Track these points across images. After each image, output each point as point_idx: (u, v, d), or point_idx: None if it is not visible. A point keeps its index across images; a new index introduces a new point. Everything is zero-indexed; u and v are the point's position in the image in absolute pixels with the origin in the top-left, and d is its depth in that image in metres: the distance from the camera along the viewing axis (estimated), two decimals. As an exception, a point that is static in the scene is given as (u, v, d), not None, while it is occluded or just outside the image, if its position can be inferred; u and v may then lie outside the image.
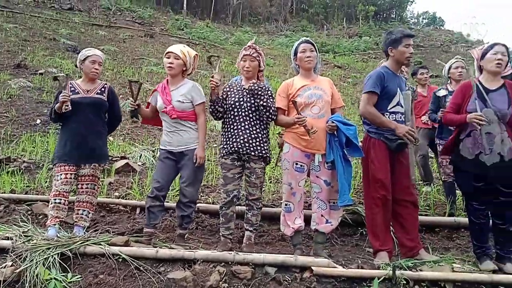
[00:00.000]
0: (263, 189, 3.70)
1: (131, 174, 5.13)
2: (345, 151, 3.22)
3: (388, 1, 32.06)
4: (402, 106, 3.28)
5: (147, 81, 10.85)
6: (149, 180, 4.68)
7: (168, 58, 3.44)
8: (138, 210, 4.09)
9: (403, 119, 3.27)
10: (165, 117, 3.45)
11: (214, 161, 5.68)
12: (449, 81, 4.59)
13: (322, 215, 3.25)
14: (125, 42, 16.37)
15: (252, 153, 3.35)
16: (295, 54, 3.45)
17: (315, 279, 2.75)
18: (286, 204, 3.32)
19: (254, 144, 3.36)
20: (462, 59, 4.60)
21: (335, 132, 3.22)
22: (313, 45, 3.43)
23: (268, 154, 3.44)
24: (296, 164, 3.26)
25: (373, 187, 3.23)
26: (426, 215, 4.14)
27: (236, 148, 3.35)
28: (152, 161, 5.62)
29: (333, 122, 3.19)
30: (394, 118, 3.24)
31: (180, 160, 3.44)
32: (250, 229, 3.42)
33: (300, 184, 3.29)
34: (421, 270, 2.86)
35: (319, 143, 3.23)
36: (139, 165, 5.45)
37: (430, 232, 3.97)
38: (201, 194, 4.62)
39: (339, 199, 3.17)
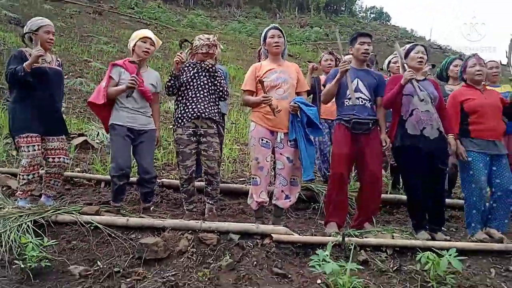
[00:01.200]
0: (220, 164, 3.96)
1: (90, 151, 5.16)
2: (307, 131, 3.53)
3: (338, -6, 33.00)
4: (362, 92, 3.65)
5: (98, 59, 10.62)
6: (109, 156, 4.76)
7: (145, 42, 3.60)
8: (103, 184, 4.19)
9: (366, 103, 3.64)
10: (136, 94, 3.56)
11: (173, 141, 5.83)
12: (389, 75, 5.03)
13: (282, 191, 3.56)
14: (72, 18, 15.75)
15: (213, 118, 3.68)
16: (264, 39, 3.70)
17: (274, 245, 3.05)
18: (253, 178, 3.59)
19: (213, 110, 3.70)
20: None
21: (298, 113, 3.53)
22: (281, 31, 3.70)
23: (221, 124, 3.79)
24: (262, 140, 3.54)
25: (335, 164, 3.61)
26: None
27: (198, 114, 3.61)
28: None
29: (295, 103, 3.49)
30: (357, 103, 3.61)
31: (138, 139, 3.61)
32: (210, 202, 3.68)
33: (267, 160, 3.57)
34: (366, 237, 3.26)
35: (282, 122, 3.52)
36: (97, 142, 5.48)
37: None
38: (163, 171, 4.79)
39: (303, 174, 3.50)
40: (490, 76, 4.35)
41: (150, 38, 3.61)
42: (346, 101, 3.61)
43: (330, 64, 4.93)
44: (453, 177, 4.70)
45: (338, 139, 3.62)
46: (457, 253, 2.73)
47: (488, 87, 3.92)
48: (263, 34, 3.73)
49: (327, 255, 2.64)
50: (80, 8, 17.76)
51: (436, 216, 3.61)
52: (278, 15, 29.02)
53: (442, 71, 4.76)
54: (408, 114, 3.58)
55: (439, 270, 2.72)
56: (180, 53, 3.62)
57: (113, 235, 2.92)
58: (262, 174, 3.55)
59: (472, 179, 3.61)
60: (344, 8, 34.26)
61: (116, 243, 2.86)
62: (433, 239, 3.43)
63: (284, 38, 3.69)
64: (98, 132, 5.85)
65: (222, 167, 4.81)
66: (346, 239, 3.11)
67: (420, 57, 3.64)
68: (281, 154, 3.56)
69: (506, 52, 4.68)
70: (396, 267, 2.98)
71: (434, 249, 3.00)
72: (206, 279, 2.66)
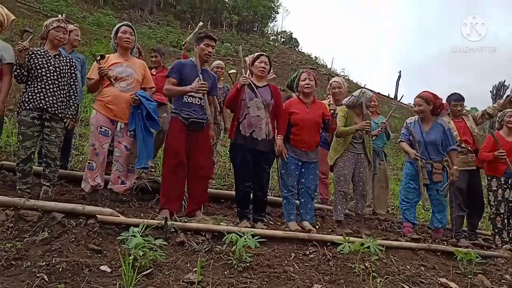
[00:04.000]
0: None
1: None
2: (147, 123, 3.79)
3: (252, 15, 34.20)
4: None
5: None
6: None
7: None
8: None
9: (202, 103, 4.01)
10: None
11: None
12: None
13: (118, 177, 3.77)
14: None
15: (60, 114, 3.70)
16: (116, 34, 3.92)
17: (98, 225, 3.23)
18: (89, 163, 3.74)
19: (61, 105, 3.73)
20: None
21: (140, 106, 3.79)
22: (133, 29, 3.97)
23: (69, 116, 3.84)
24: (101, 128, 3.72)
25: (168, 155, 3.91)
26: (216, 188, 4.96)
27: (45, 107, 3.65)
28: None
29: (136, 96, 3.74)
30: (191, 101, 3.97)
31: None
32: (47, 184, 3.75)
33: (103, 147, 3.75)
34: (189, 222, 3.58)
35: (122, 112, 3.75)
36: None
37: (217, 202, 4.81)
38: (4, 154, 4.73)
39: (136, 162, 3.73)
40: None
41: None
42: (185, 98, 3.94)
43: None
44: None
45: (175, 132, 3.92)
46: (260, 238, 3.20)
47: (318, 101, 4.52)
48: (115, 29, 3.95)
49: (137, 231, 2.90)
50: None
51: (258, 208, 4.09)
52: (189, 26, 29.24)
53: (291, 82, 5.37)
54: (242, 117, 4.02)
55: (238, 249, 3.13)
56: (23, 41, 3.67)
57: None
58: (98, 160, 3.72)
59: (284, 177, 4.21)
60: (256, 29, 35.58)
61: None
62: (253, 227, 3.87)
63: (135, 36, 3.95)
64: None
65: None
66: (169, 222, 3.40)
67: (262, 67, 4.13)
68: (119, 142, 3.78)
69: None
70: (208, 248, 3.32)
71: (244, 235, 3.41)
72: (14, 250, 2.75)
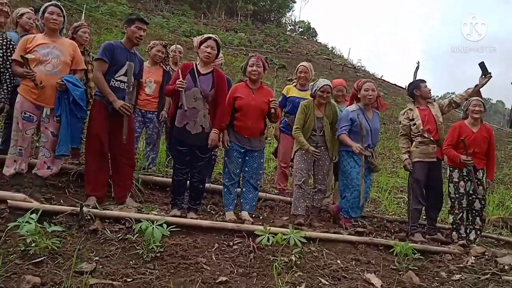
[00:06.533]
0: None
1: None
2: (73, 108, 3.70)
3: (269, 4, 33.81)
4: (126, 76, 3.86)
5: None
6: None
7: None
8: None
9: (126, 87, 3.86)
10: None
11: None
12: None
13: (44, 162, 3.70)
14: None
15: None
16: (43, 13, 3.77)
17: (9, 210, 3.18)
18: (19, 149, 3.67)
19: None
20: None
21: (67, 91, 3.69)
22: (61, 9, 3.83)
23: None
24: (25, 114, 3.64)
25: (90, 141, 3.83)
26: (162, 176, 4.85)
27: None
28: None
29: (62, 81, 3.64)
30: (119, 86, 3.85)
31: None
32: None
33: (27, 133, 3.68)
34: (109, 210, 3.49)
35: (48, 97, 3.66)
36: None
37: (163, 191, 4.71)
38: None
39: (57, 149, 3.65)
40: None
41: None
42: (113, 82, 3.82)
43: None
44: None
45: (98, 117, 3.81)
46: (178, 227, 3.13)
47: (265, 87, 4.33)
48: (42, 9, 3.82)
49: (32, 218, 2.83)
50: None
51: (193, 197, 3.97)
52: (205, 15, 29.19)
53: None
54: (178, 107, 3.88)
55: (147, 238, 3.03)
56: None
57: None
58: (22, 145, 3.66)
59: (226, 164, 4.07)
60: (273, 19, 35.16)
61: None
62: (185, 217, 3.76)
63: (64, 18, 3.83)
64: None
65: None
66: (85, 209, 3.32)
67: (208, 52, 3.91)
68: (46, 128, 3.70)
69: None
70: (122, 237, 3.22)
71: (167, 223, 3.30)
72: None
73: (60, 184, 4.18)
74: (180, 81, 3.75)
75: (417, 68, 29.08)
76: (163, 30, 23.51)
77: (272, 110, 4.12)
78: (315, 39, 35.18)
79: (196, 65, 3.96)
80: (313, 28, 36.73)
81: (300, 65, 5.30)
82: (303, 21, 37.83)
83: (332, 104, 4.63)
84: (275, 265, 3.09)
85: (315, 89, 4.39)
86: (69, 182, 4.24)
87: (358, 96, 4.54)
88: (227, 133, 4.08)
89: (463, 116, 4.69)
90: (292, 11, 38.58)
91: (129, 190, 3.98)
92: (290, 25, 37.02)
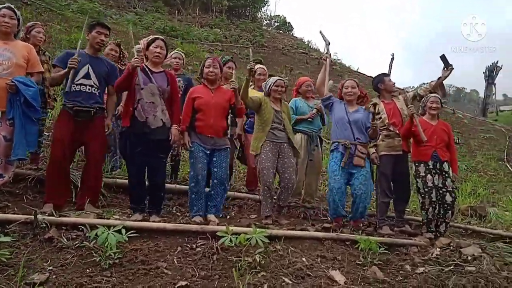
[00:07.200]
0: None
1: None
2: (25, 110, 3.56)
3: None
4: (91, 79, 3.82)
5: None
6: None
7: None
8: None
9: (93, 91, 3.83)
10: None
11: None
12: None
13: (-4, 170, 3.56)
14: None
15: None
16: None
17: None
18: None
19: None
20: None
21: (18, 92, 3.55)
22: (15, 12, 3.74)
23: None
24: None
25: (53, 146, 3.75)
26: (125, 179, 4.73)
27: None
28: None
29: (12, 82, 3.51)
30: (79, 89, 3.78)
31: None
32: None
33: None
34: (65, 217, 3.37)
35: None
36: None
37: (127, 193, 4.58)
38: None
39: (12, 152, 3.51)
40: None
41: None
42: (74, 87, 3.73)
43: None
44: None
45: (61, 124, 3.77)
46: (139, 233, 3.02)
47: (223, 88, 4.31)
48: None
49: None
50: None
51: (153, 200, 3.87)
52: (179, 11, 28.84)
53: None
54: (136, 103, 3.79)
55: (105, 244, 2.94)
56: None
57: None
58: None
59: (192, 166, 3.96)
60: (248, 14, 34.99)
61: None
62: (148, 220, 3.67)
63: (19, 21, 3.75)
64: None
65: None
66: (39, 217, 3.19)
67: (158, 52, 3.90)
68: None
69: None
70: (78, 244, 3.11)
71: (127, 228, 3.21)
72: None
73: (17, 191, 4.02)
74: (136, 57, 3.72)
75: (392, 59, 29.37)
76: (137, 27, 23.12)
77: (232, 87, 4.10)
78: (291, 33, 35.20)
79: (146, 65, 3.91)
80: (289, 23, 36.74)
81: (259, 67, 5.32)
82: (279, 15, 37.80)
83: (285, 103, 4.66)
84: (237, 266, 3.03)
85: (269, 85, 4.44)
86: (27, 189, 4.09)
87: (342, 95, 4.64)
88: (189, 135, 4.03)
89: (421, 112, 4.73)
90: (268, 5, 38.41)
91: (91, 194, 3.87)
92: (265, 20, 36.94)
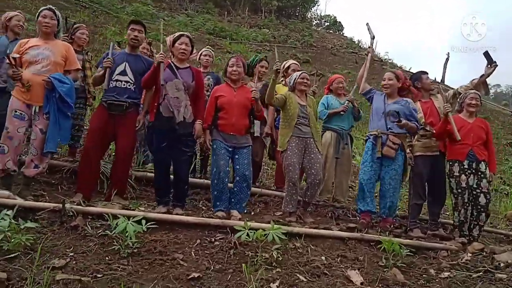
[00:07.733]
0: None
1: None
2: (60, 106, 3.76)
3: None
4: (127, 75, 4.02)
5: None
6: None
7: None
8: None
9: (128, 86, 4.01)
10: None
11: None
12: None
13: (32, 160, 3.77)
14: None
15: None
16: (37, 18, 3.94)
17: (-4, 208, 3.25)
18: (1, 146, 3.76)
19: None
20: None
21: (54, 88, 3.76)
22: (55, 13, 3.95)
23: None
24: (16, 112, 3.73)
25: (87, 137, 4.03)
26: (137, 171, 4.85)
27: None
28: None
29: (49, 79, 3.70)
30: (115, 85, 3.99)
31: None
32: None
33: (18, 131, 3.74)
34: (92, 206, 3.52)
35: (37, 96, 3.74)
36: None
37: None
38: None
39: (45, 146, 3.71)
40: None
41: None
42: (111, 83, 3.97)
43: None
44: None
45: (94, 117, 4.02)
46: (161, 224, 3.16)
47: (246, 87, 4.34)
48: (38, 14, 3.96)
49: (7, 214, 2.88)
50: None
51: (177, 193, 3.95)
52: (226, 13, 29.26)
53: (249, 68, 5.12)
54: (162, 98, 3.88)
55: (125, 234, 3.04)
56: None
57: None
58: (11, 144, 3.72)
59: (214, 163, 4.00)
60: (298, 14, 34.82)
61: None
62: (171, 213, 3.74)
63: (57, 20, 3.96)
64: None
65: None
66: (67, 206, 3.35)
67: (183, 48, 4.01)
68: (35, 125, 3.77)
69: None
70: (101, 233, 3.23)
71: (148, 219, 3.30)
72: None
73: (53, 181, 4.26)
74: (161, 53, 3.87)
75: (447, 59, 28.02)
76: (187, 28, 23.75)
77: (253, 97, 4.12)
78: (341, 33, 34.57)
79: (172, 61, 4.03)
80: (339, 22, 36.07)
81: (292, 63, 5.25)
82: (329, 15, 37.24)
83: (311, 98, 4.60)
84: (251, 262, 3.02)
85: (294, 79, 4.40)
86: (62, 179, 4.32)
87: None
88: (211, 133, 4.13)
89: (458, 109, 4.47)
90: (318, 5, 37.94)
91: (119, 186, 4.02)
92: (315, 20, 36.54)
